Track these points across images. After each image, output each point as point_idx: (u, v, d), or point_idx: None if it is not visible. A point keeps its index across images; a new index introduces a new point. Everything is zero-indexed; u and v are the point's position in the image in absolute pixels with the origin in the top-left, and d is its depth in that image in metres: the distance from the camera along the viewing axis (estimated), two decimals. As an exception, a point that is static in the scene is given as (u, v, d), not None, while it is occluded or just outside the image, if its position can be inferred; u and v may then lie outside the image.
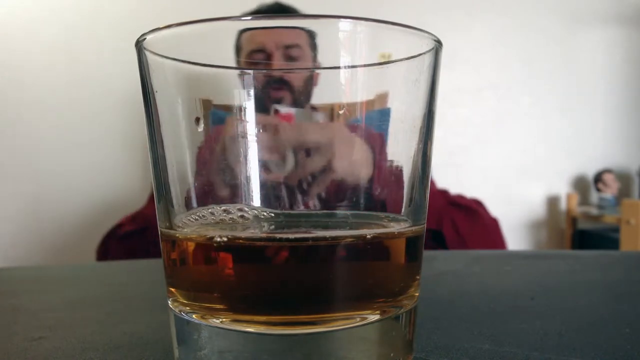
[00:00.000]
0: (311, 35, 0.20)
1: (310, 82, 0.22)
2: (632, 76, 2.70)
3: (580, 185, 2.67)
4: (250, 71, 0.22)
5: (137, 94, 0.22)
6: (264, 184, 0.23)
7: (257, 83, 0.21)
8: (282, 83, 0.22)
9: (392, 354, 0.22)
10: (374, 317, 0.21)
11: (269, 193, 0.23)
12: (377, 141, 0.22)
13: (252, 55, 0.29)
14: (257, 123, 0.21)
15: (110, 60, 1.87)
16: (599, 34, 2.63)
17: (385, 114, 0.22)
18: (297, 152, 0.23)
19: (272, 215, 0.23)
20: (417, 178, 0.23)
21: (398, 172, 0.23)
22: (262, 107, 0.22)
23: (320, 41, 0.22)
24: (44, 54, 1.88)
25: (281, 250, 0.20)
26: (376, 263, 0.22)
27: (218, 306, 0.21)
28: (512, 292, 0.40)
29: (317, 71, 0.22)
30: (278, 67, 0.25)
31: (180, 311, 0.22)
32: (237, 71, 0.23)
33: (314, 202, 0.23)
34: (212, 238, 0.20)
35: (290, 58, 0.27)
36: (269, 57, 0.29)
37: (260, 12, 0.93)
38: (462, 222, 0.94)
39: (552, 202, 2.63)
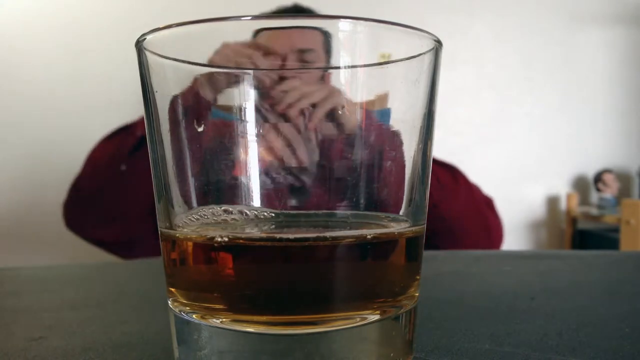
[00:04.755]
0: (326, 38, 0.20)
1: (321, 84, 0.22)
2: (632, 76, 2.70)
3: (580, 185, 2.67)
4: (251, 71, 0.22)
5: (137, 94, 0.22)
6: (264, 184, 0.23)
7: (267, 85, 0.21)
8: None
9: (392, 354, 0.22)
10: (374, 317, 0.21)
11: (270, 193, 0.23)
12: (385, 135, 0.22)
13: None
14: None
15: (110, 60, 1.87)
16: (599, 34, 2.63)
17: (385, 114, 0.22)
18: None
19: (272, 215, 0.23)
20: (417, 178, 0.23)
21: (398, 172, 0.23)
22: (263, 107, 0.22)
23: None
24: (45, 53, 1.88)
25: (281, 250, 0.20)
26: (376, 263, 0.22)
27: (218, 306, 0.21)
28: (512, 292, 0.40)
29: (326, 72, 0.22)
30: (279, 69, 0.25)
31: (180, 311, 0.22)
32: (237, 71, 0.23)
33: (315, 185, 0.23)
34: (212, 238, 0.20)
35: (304, 62, 0.27)
36: (282, 60, 0.29)
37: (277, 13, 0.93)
38: (446, 176, 0.90)
39: (552, 202, 2.63)
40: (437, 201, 0.86)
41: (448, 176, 0.91)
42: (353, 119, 0.21)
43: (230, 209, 0.23)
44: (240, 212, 0.23)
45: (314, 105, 0.22)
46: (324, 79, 0.22)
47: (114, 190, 0.88)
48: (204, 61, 0.22)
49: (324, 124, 0.23)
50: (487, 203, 0.98)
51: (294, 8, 0.99)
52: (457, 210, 0.90)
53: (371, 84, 0.21)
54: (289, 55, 0.29)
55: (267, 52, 0.23)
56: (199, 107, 0.22)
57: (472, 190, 0.95)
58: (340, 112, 0.22)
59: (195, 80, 0.21)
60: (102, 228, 0.94)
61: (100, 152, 0.92)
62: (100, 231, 0.95)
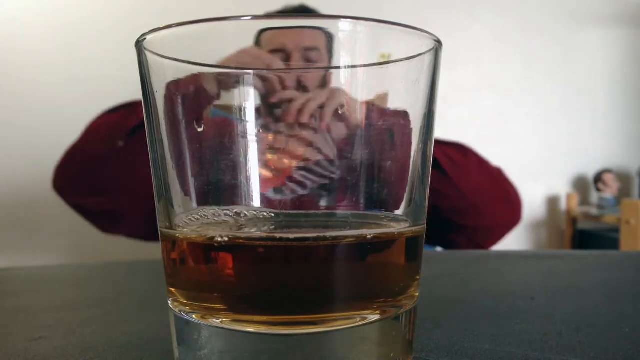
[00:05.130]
0: (329, 38, 0.20)
1: (323, 84, 0.22)
2: (632, 76, 2.70)
3: (580, 185, 2.67)
4: (251, 71, 0.22)
5: (137, 94, 0.22)
6: (265, 184, 0.23)
7: (269, 84, 0.21)
8: (297, 85, 0.22)
9: (392, 354, 0.22)
10: (374, 317, 0.21)
11: (270, 193, 0.23)
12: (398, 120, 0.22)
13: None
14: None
15: (110, 60, 1.87)
16: (599, 34, 2.64)
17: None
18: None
19: (272, 215, 0.23)
20: (417, 178, 0.23)
21: (398, 172, 0.23)
22: (264, 107, 0.22)
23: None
24: (45, 53, 1.88)
25: (281, 250, 0.20)
26: (376, 263, 0.22)
27: (218, 306, 0.21)
28: (512, 292, 0.40)
29: (327, 72, 0.22)
30: (280, 69, 0.25)
31: (180, 311, 0.22)
32: (237, 71, 0.23)
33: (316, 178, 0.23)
34: (212, 238, 0.20)
35: (308, 60, 0.27)
36: (287, 57, 0.29)
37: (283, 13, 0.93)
38: (455, 154, 0.92)
39: (552, 202, 2.63)
40: (453, 178, 0.88)
41: (457, 153, 0.93)
42: (353, 118, 0.21)
43: (231, 209, 0.23)
44: (240, 212, 0.23)
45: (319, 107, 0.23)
46: (325, 78, 0.22)
47: (107, 164, 0.88)
48: (205, 61, 0.22)
49: (324, 125, 0.23)
50: (498, 172, 1.00)
51: (300, 8, 1.00)
52: (474, 183, 0.92)
53: (371, 84, 0.21)
54: (294, 52, 0.29)
55: (275, 48, 0.23)
56: (199, 107, 0.22)
57: (482, 163, 0.97)
58: (340, 111, 0.22)
59: (196, 78, 0.22)
60: (87, 197, 0.93)
61: (100, 124, 0.91)
62: (85, 199, 0.94)
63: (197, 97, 0.22)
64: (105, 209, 0.94)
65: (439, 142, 0.94)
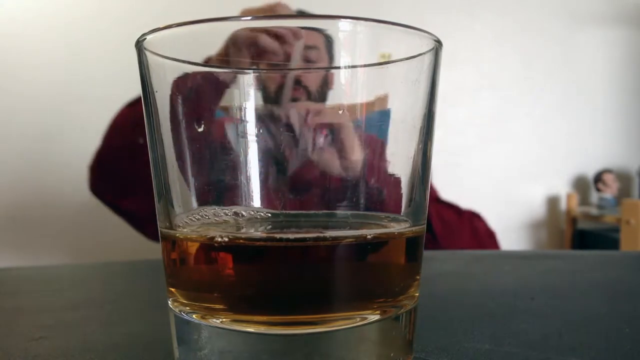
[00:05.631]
0: (328, 40, 0.20)
1: (325, 84, 0.22)
2: (632, 76, 2.70)
3: (580, 185, 2.67)
4: (250, 71, 0.22)
5: (137, 94, 0.22)
6: (264, 184, 0.23)
7: (270, 83, 0.21)
8: (298, 84, 0.22)
9: (392, 354, 0.22)
10: (374, 317, 0.21)
11: (269, 193, 0.23)
12: (375, 145, 0.22)
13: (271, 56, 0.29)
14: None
15: (110, 60, 1.87)
16: (599, 34, 2.64)
17: (385, 115, 0.22)
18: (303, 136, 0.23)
19: (272, 215, 0.23)
20: (417, 178, 0.23)
21: (398, 172, 0.23)
22: (265, 106, 0.22)
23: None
24: (45, 53, 1.88)
25: (281, 250, 0.20)
26: (376, 263, 0.22)
27: (218, 306, 0.21)
28: (512, 292, 0.40)
29: (332, 73, 0.23)
30: (279, 68, 0.25)
31: (180, 311, 0.22)
32: (237, 71, 0.23)
33: (313, 192, 0.23)
34: (212, 238, 0.20)
35: (307, 59, 0.27)
36: (286, 56, 0.29)
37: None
38: (449, 214, 0.91)
39: (552, 202, 2.63)
40: (440, 242, 0.87)
41: (452, 214, 0.92)
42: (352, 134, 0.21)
43: (231, 209, 0.23)
44: (241, 212, 0.23)
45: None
46: (326, 78, 0.22)
47: (136, 158, 0.83)
48: (204, 61, 0.22)
49: (324, 128, 0.23)
50: (490, 236, 0.98)
51: (298, 12, 0.99)
52: (460, 246, 0.90)
53: (371, 84, 0.21)
54: (295, 46, 0.29)
55: (277, 36, 0.23)
56: (200, 107, 0.22)
57: (475, 225, 0.96)
58: (340, 112, 0.22)
59: (197, 77, 0.22)
60: (124, 197, 0.90)
61: (122, 117, 0.90)
62: (123, 200, 0.91)
63: (197, 97, 0.22)
64: (143, 210, 0.89)
65: (438, 201, 0.92)
